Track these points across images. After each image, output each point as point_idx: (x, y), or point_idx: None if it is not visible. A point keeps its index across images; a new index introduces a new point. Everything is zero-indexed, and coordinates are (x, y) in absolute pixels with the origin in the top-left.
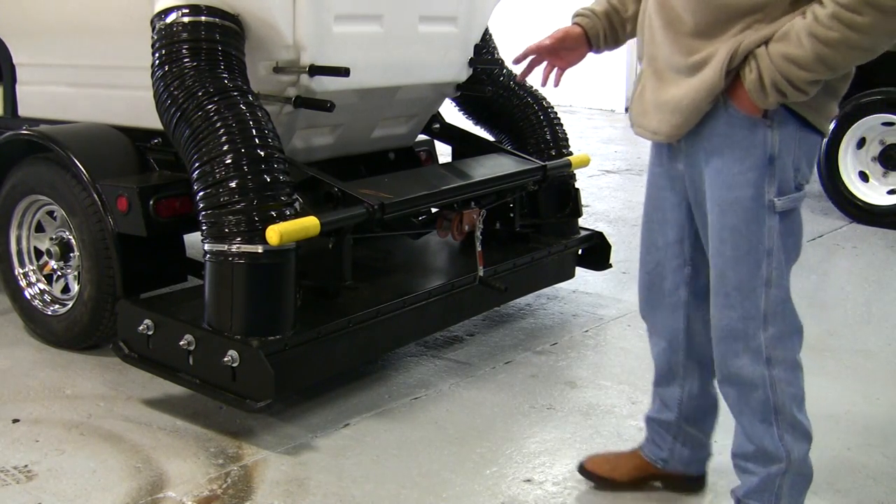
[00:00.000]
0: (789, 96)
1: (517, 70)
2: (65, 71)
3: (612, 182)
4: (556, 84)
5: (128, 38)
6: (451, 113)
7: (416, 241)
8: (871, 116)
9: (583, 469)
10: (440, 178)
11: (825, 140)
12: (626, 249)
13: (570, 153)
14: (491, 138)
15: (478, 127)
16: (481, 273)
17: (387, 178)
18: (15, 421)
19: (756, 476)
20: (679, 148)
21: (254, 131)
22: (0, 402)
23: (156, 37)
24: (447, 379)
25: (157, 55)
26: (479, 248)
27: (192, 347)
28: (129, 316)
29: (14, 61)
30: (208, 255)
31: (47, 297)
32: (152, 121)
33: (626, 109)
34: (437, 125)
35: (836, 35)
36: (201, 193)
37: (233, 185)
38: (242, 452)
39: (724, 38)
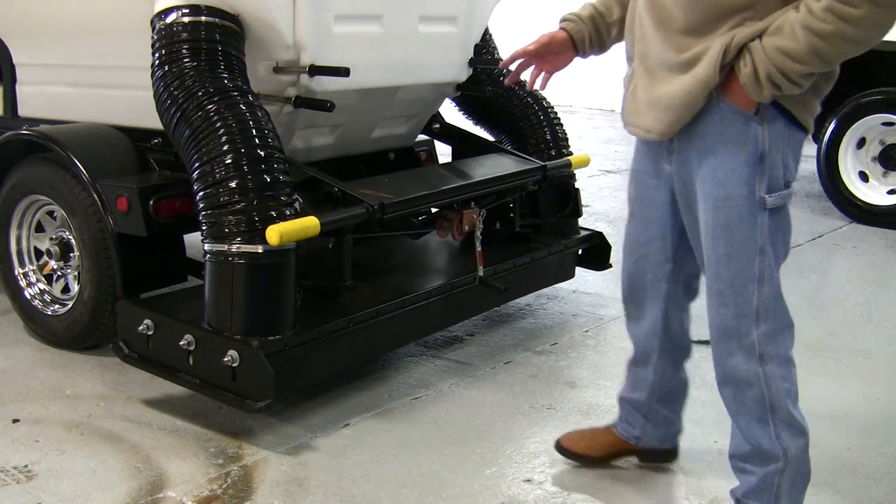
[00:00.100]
0: (784, 89)
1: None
2: (65, 71)
3: (612, 182)
4: (543, 87)
5: (128, 38)
6: (451, 113)
7: (416, 241)
8: (871, 116)
9: (559, 446)
10: (440, 178)
11: (825, 140)
12: None
13: (570, 153)
14: (491, 138)
15: (478, 127)
16: (481, 273)
17: (387, 178)
18: (15, 421)
19: (755, 476)
20: (670, 147)
21: (254, 131)
22: (0, 402)
23: (156, 37)
24: (447, 379)
25: (157, 55)
26: (479, 248)
27: (192, 347)
28: (129, 316)
29: (14, 61)
30: (208, 255)
31: (47, 297)
32: (152, 121)
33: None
34: (437, 125)
35: (830, 28)
36: (201, 193)
37: (233, 185)
38: (242, 452)
39: (716, 34)
